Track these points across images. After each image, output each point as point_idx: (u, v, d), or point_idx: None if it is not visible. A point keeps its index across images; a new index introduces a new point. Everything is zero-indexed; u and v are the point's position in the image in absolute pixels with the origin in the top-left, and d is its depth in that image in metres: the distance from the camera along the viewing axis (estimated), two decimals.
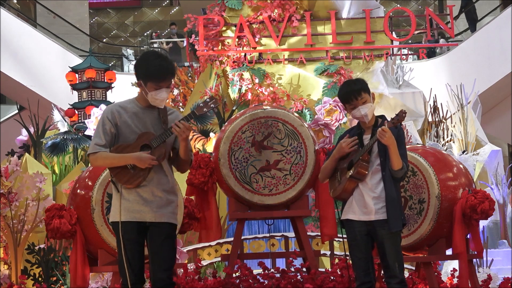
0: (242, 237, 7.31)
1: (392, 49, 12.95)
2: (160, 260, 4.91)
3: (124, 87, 15.04)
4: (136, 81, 5.00)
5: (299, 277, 6.57)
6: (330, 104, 11.74)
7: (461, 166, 6.73)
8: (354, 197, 5.30)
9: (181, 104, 14.10)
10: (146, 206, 4.90)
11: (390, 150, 5.17)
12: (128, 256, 4.86)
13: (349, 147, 5.29)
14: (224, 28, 12.62)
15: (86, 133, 11.67)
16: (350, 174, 5.25)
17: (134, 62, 20.75)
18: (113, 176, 4.91)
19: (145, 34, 27.83)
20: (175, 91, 14.24)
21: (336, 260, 7.65)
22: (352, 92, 5.35)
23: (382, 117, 5.37)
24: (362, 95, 5.31)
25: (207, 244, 7.99)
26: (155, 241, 4.92)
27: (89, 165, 8.37)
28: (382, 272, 5.34)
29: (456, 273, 6.91)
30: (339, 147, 5.33)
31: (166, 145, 4.97)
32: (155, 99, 4.93)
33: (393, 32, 13.26)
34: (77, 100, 13.29)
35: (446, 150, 11.85)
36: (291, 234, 7.98)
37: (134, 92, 15.32)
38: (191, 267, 7.14)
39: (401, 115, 5.17)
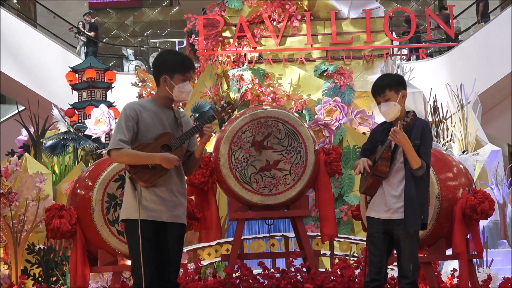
0: (242, 237, 7.31)
1: (392, 49, 12.95)
2: (170, 261, 4.89)
3: (124, 87, 15.05)
4: (159, 78, 4.97)
5: (299, 277, 6.57)
6: (330, 104, 11.75)
7: (461, 166, 6.73)
8: (377, 195, 5.30)
9: (181, 104, 14.09)
10: (163, 205, 4.88)
11: (405, 149, 5.16)
12: (144, 255, 4.82)
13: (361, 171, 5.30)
14: (224, 28, 12.62)
15: (86, 133, 11.68)
16: (372, 171, 5.27)
17: (134, 62, 20.66)
18: (133, 174, 4.87)
19: (145, 34, 27.84)
20: None
21: (336, 260, 7.65)
22: (376, 88, 5.33)
23: (413, 112, 5.29)
24: (386, 92, 5.26)
25: (207, 244, 7.98)
26: (168, 242, 4.90)
27: (89, 165, 8.37)
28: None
29: (456, 273, 6.91)
30: (359, 164, 5.31)
31: (183, 148, 4.97)
32: (181, 92, 4.95)
33: (393, 32, 13.26)
34: (77, 100, 13.29)
35: (446, 150, 11.85)
36: (291, 234, 7.97)
37: (134, 92, 15.36)
38: (191, 267, 7.14)
39: (410, 117, 5.17)
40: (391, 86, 5.28)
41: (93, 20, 20.58)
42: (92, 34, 19.90)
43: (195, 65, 14.90)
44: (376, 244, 5.27)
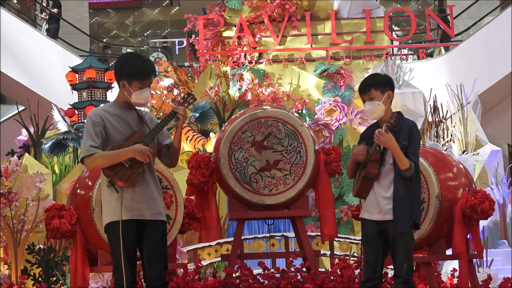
0: (242, 237, 7.31)
1: (392, 49, 12.95)
2: (157, 258, 4.93)
3: None
4: (119, 83, 5.01)
5: (299, 277, 6.57)
6: (330, 104, 11.75)
7: (461, 166, 6.73)
8: (369, 196, 5.33)
9: None
10: (145, 204, 4.93)
11: (391, 151, 5.17)
12: (127, 255, 4.86)
13: (362, 156, 5.28)
14: (224, 28, 12.62)
15: None
16: (362, 174, 5.27)
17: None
18: (112, 176, 4.91)
19: (145, 34, 27.84)
20: (175, 91, 14.23)
21: (336, 260, 7.65)
22: (362, 86, 5.37)
23: (398, 114, 5.30)
24: (371, 91, 5.29)
25: (207, 244, 7.99)
26: (152, 240, 4.94)
27: None
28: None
29: (456, 273, 6.91)
30: (353, 153, 5.34)
31: (155, 144, 5.02)
32: (139, 99, 4.98)
33: (393, 32, 13.25)
34: (77, 100, 13.29)
35: (446, 150, 11.85)
36: (291, 234, 7.98)
37: None
38: (191, 267, 7.14)
39: (394, 118, 5.18)
40: (376, 85, 5.30)
41: None
42: (55, 10, 19.81)
43: (195, 64, 14.93)
44: (370, 245, 5.30)
